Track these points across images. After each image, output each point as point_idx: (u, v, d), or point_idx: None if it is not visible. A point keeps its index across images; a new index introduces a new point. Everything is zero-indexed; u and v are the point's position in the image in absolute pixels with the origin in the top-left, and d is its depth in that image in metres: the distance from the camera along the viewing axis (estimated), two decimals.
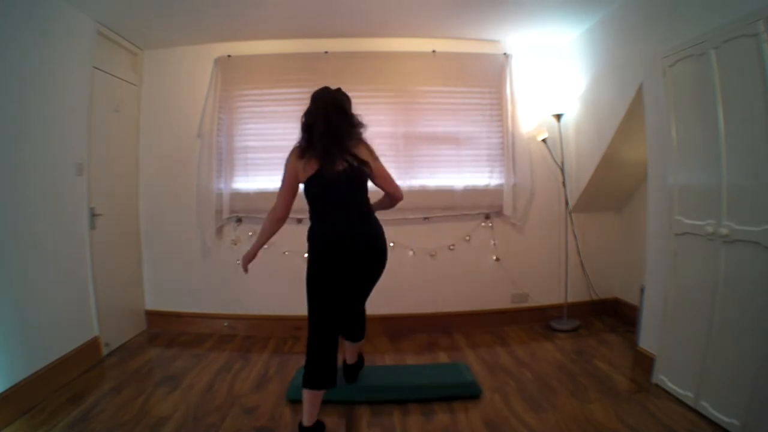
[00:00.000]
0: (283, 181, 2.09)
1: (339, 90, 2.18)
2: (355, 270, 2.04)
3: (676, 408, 2.25)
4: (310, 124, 2.04)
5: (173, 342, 3.37)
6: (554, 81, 3.61)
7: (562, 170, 3.57)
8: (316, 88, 3.56)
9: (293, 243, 3.52)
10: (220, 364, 2.96)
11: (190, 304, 3.60)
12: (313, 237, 2.06)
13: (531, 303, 3.67)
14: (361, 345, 2.51)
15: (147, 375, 2.80)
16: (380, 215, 2.20)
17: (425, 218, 3.54)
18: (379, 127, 3.49)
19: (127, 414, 2.29)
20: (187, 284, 3.60)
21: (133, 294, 3.51)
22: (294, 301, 3.53)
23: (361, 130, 2.10)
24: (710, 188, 2.14)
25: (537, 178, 3.63)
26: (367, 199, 2.12)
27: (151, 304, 3.63)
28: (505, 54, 3.57)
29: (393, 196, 2.15)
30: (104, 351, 3.02)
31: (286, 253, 3.52)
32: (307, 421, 2.00)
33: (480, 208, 3.58)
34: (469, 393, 2.46)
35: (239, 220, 3.55)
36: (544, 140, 3.53)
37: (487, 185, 3.56)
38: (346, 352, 2.47)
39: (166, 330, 3.56)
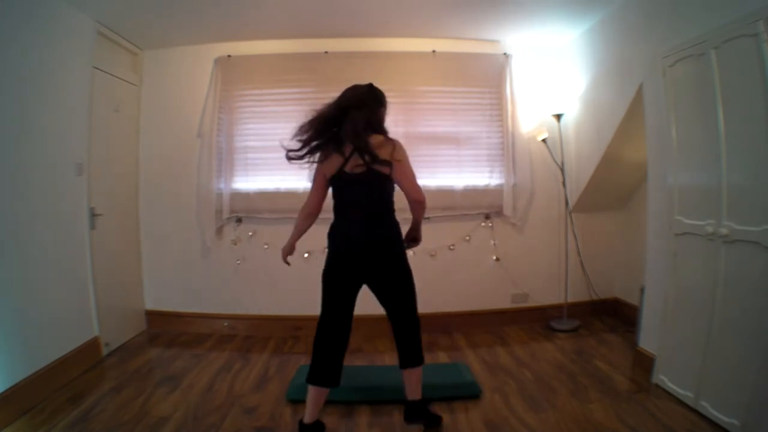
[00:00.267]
0: (313, 178, 2.12)
1: (369, 86, 2.10)
2: (361, 271, 2.04)
3: (676, 408, 2.25)
4: (333, 121, 2.00)
5: (173, 342, 3.37)
6: (554, 81, 3.61)
7: (562, 170, 3.57)
8: (315, 88, 3.60)
9: None
10: (220, 364, 2.96)
11: (190, 304, 3.60)
12: (328, 234, 2.12)
13: (531, 303, 3.67)
14: (420, 374, 2.10)
15: (147, 375, 2.80)
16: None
17: (425, 218, 3.52)
18: None
19: (127, 414, 2.29)
20: (187, 284, 3.60)
21: (133, 294, 3.51)
22: (294, 301, 3.55)
23: (384, 128, 2.07)
24: (710, 188, 2.13)
25: (537, 178, 3.63)
26: (385, 201, 2.04)
27: (151, 304, 3.63)
28: (505, 54, 3.57)
29: (410, 196, 2.01)
30: (104, 351, 3.02)
31: None
32: (307, 419, 2.02)
33: (480, 208, 3.58)
34: (469, 393, 2.46)
35: (239, 220, 3.55)
36: (544, 140, 3.53)
37: (487, 185, 3.56)
38: (405, 383, 2.12)
39: (166, 330, 3.56)
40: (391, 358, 3.05)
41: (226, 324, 3.56)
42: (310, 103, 3.42)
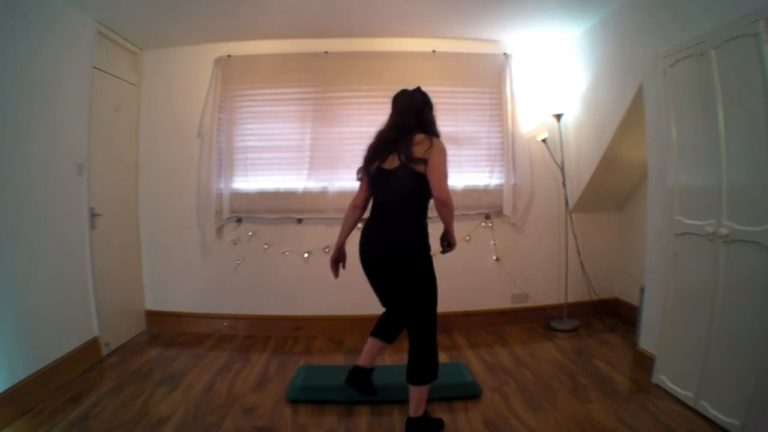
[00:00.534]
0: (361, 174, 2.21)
1: (416, 89, 2.16)
2: (375, 270, 2.10)
3: (676, 408, 2.25)
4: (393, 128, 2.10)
5: (173, 342, 3.37)
6: (554, 81, 3.61)
7: (562, 170, 3.57)
8: (315, 88, 3.60)
9: (293, 243, 3.53)
10: (220, 364, 2.96)
11: (190, 304, 3.60)
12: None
13: (531, 303, 3.67)
14: (420, 394, 2.02)
15: (147, 375, 2.80)
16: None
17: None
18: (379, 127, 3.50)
19: (127, 414, 2.29)
20: (187, 284, 3.60)
21: (133, 294, 3.51)
22: (294, 301, 3.56)
23: (433, 128, 2.10)
24: (710, 188, 2.14)
25: (537, 178, 3.63)
26: (413, 200, 2.01)
27: (151, 304, 3.63)
28: (505, 54, 3.57)
29: (437, 198, 1.92)
30: (104, 351, 3.02)
31: (286, 253, 3.53)
32: (361, 362, 2.28)
33: (480, 208, 3.58)
34: (469, 393, 2.46)
35: (239, 220, 3.55)
36: (544, 140, 3.53)
37: (487, 185, 3.56)
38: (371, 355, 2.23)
39: (166, 330, 3.56)
40: (391, 358, 3.05)
41: (226, 324, 3.56)
42: (310, 103, 3.49)
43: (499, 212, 3.59)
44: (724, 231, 2.04)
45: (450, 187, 1.98)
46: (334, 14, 3.10)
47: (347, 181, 3.48)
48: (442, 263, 3.55)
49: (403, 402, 2.38)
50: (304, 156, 3.49)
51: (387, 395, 2.43)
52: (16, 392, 2.26)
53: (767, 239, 1.84)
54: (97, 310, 2.96)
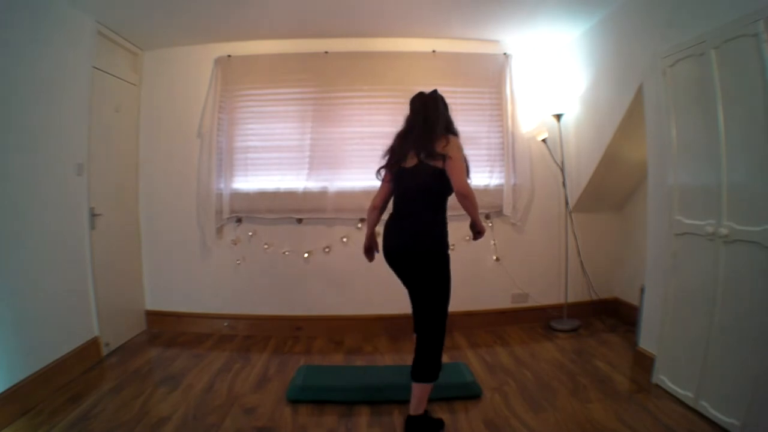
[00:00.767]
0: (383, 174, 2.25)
1: (433, 91, 2.21)
2: (398, 267, 2.13)
3: (676, 408, 2.25)
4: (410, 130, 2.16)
5: (173, 342, 3.37)
6: (554, 81, 3.61)
7: (562, 170, 3.57)
8: (315, 88, 3.61)
9: (293, 243, 3.53)
10: (220, 364, 2.96)
11: (190, 304, 3.60)
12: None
13: (531, 303, 3.67)
14: (422, 392, 2.03)
15: (147, 375, 2.80)
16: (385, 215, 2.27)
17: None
18: (379, 127, 3.49)
19: (127, 414, 2.29)
20: (187, 284, 3.60)
21: (133, 294, 3.51)
22: (294, 301, 3.56)
23: (451, 127, 2.16)
24: (710, 188, 2.14)
25: (537, 178, 3.63)
26: (431, 195, 2.04)
27: (151, 304, 3.63)
28: (505, 54, 3.57)
29: (456, 191, 1.95)
30: (104, 351, 3.02)
31: (286, 253, 3.53)
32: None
33: (480, 207, 3.55)
34: (469, 393, 2.46)
35: (239, 220, 3.55)
36: (544, 140, 3.53)
37: (487, 185, 3.56)
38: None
39: (166, 330, 3.56)
40: (391, 358, 3.05)
41: (226, 324, 3.56)
42: (310, 103, 3.50)
43: (499, 212, 3.59)
44: (724, 231, 2.04)
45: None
46: (334, 14, 3.10)
47: (347, 181, 3.49)
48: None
49: (403, 402, 2.38)
50: (304, 156, 3.49)
51: (387, 395, 2.43)
52: (16, 392, 2.26)
53: (767, 239, 1.84)
54: (97, 310, 2.96)
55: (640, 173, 3.19)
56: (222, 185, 3.51)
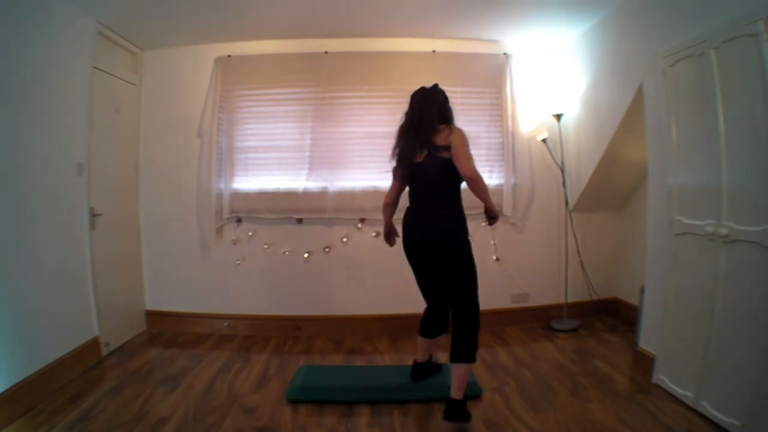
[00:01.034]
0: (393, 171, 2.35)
1: (433, 86, 2.27)
2: (420, 257, 2.27)
3: (676, 408, 2.25)
4: (411, 123, 2.22)
5: (173, 342, 3.37)
6: (554, 81, 3.61)
7: (562, 170, 3.57)
8: (315, 88, 3.61)
9: (293, 243, 3.53)
10: (220, 364, 2.96)
11: (190, 304, 3.60)
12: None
13: (531, 303, 3.67)
14: (463, 373, 2.09)
15: (147, 375, 2.80)
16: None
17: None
18: (379, 128, 3.49)
19: (127, 414, 2.29)
20: (187, 284, 3.60)
21: (133, 294, 3.51)
22: (294, 301, 3.56)
23: (450, 116, 2.23)
24: (710, 188, 2.14)
25: (537, 178, 3.63)
26: (444, 187, 2.16)
27: (151, 304, 3.63)
28: (505, 54, 3.57)
29: (466, 177, 2.06)
30: (104, 351, 3.02)
31: (286, 253, 3.53)
32: (420, 357, 2.55)
33: (480, 207, 3.56)
34: (469, 393, 2.45)
35: (239, 220, 3.55)
36: (544, 140, 3.53)
37: (486, 185, 3.54)
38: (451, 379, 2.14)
39: (166, 330, 3.56)
40: (391, 358, 3.05)
41: (226, 324, 3.56)
42: (310, 103, 3.49)
43: (499, 212, 3.58)
44: (724, 231, 2.04)
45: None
46: (334, 14, 3.10)
47: (347, 181, 3.49)
48: None
49: (403, 402, 2.39)
50: (304, 156, 3.49)
51: (387, 395, 2.43)
52: (16, 392, 2.26)
53: (767, 239, 1.84)
54: (97, 310, 2.96)
55: (640, 173, 3.19)
56: (222, 185, 3.51)
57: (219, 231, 3.55)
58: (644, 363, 2.65)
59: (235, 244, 3.55)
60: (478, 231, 3.59)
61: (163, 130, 3.58)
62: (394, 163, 2.33)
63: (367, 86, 3.49)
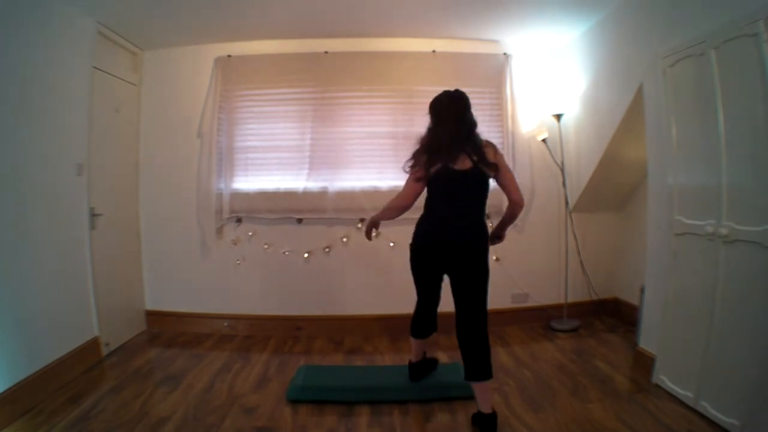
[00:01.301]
0: (411, 173, 2.15)
1: (459, 91, 2.17)
2: (444, 264, 2.17)
3: (676, 408, 2.25)
4: (438, 120, 2.13)
5: (173, 342, 3.37)
6: (554, 81, 3.61)
7: (562, 170, 3.57)
8: (315, 88, 3.60)
9: (293, 243, 3.53)
10: (220, 364, 2.96)
11: (190, 304, 3.60)
12: (419, 227, 2.22)
13: (531, 303, 3.67)
14: (487, 386, 2.10)
15: (147, 375, 2.80)
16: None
17: None
18: (379, 128, 3.50)
19: (127, 414, 2.29)
20: (187, 284, 3.60)
21: (133, 294, 3.51)
22: (294, 301, 3.56)
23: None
24: (710, 188, 2.14)
25: (537, 178, 3.63)
26: (481, 201, 2.16)
27: (151, 304, 3.63)
28: (505, 54, 3.57)
29: (517, 203, 2.16)
30: (104, 351, 3.02)
31: (286, 253, 3.53)
32: (414, 358, 2.53)
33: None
34: (470, 393, 2.44)
35: (239, 220, 3.55)
36: (544, 140, 3.53)
37: None
38: (477, 395, 2.12)
39: (166, 330, 3.56)
40: (391, 358, 3.05)
41: (226, 324, 3.56)
42: (310, 103, 3.49)
43: (499, 212, 3.55)
44: (724, 231, 2.04)
45: None
46: (334, 14, 3.10)
47: (347, 181, 3.49)
48: None
49: (403, 402, 2.39)
50: (304, 156, 3.49)
51: (387, 395, 2.43)
52: (16, 392, 2.26)
53: (767, 239, 1.84)
54: (97, 310, 2.96)
55: (640, 173, 3.19)
56: (222, 185, 3.51)
57: (219, 231, 3.55)
58: (644, 363, 2.65)
59: (235, 244, 3.55)
60: None
61: (163, 130, 3.58)
62: (418, 165, 2.12)
63: (367, 86, 3.49)
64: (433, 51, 3.51)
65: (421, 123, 3.46)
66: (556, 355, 3.03)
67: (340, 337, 3.45)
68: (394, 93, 3.49)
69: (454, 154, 2.06)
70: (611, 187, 3.51)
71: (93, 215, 2.96)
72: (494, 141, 3.50)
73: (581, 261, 3.65)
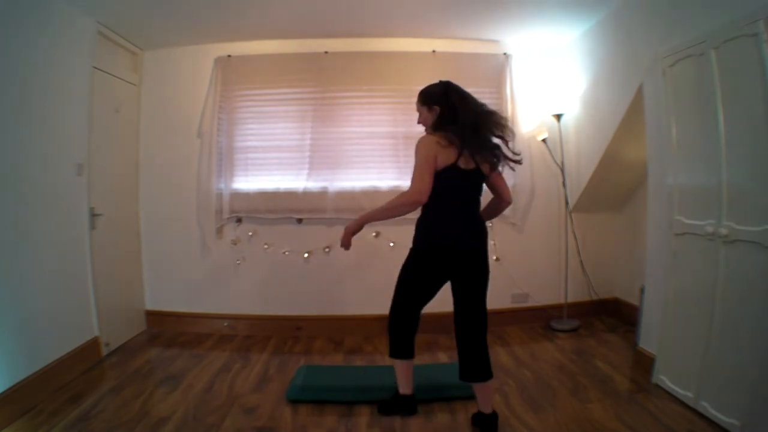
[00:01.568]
0: (424, 163, 1.92)
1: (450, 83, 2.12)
2: (454, 268, 2.05)
3: (676, 408, 2.25)
4: (454, 112, 1.98)
5: (173, 342, 3.37)
6: (554, 81, 3.61)
7: (562, 170, 3.57)
8: (315, 88, 3.58)
9: (293, 243, 3.53)
10: (220, 364, 2.96)
11: (190, 304, 3.60)
12: (430, 230, 2.03)
13: (531, 303, 3.67)
14: (487, 391, 2.09)
15: (147, 375, 2.80)
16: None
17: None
18: (379, 128, 3.50)
19: (127, 414, 2.29)
20: (187, 284, 3.60)
21: (133, 294, 3.51)
22: (294, 301, 3.56)
23: None
24: (710, 188, 2.14)
25: (537, 178, 3.63)
26: (479, 201, 2.13)
27: (151, 304, 3.63)
28: (505, 54, 3.57)
29: (507, 199, 2.16)
30: (104, 351, 3.02)
31: (286, 253, 3.53)
32: (408, 390, 2.25)
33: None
34: (469, 393, 2.45)
35: (239, 220, 3.55)
36: (544, 140, 3.53)
37: None
38: (478, 396, 2.11)
39: (166, 330, 3.56)
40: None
41: (226, 324, 3.56)
42: (310, 103, 3.50)
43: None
44: (724, 231, 2.04)
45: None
46: (334, 14, 3.10)
47: (347, 181, 3.49)
48: None
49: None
50: (304, 156, 3.49)
51: (387, 395, 2.43)
52: (16, 392, 2.26)
53: (767, 239, 1.84)
54: (97, 310, 2.96)
55: (640, 173, 3.19)
56: (222, 185, 3.51)
57: (219, 231, 3.55)
58: (644, 363, 2.65)
59: (235, 244, 3.55)
60: None
61: (163, 130, 3.58)
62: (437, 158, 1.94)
63: (367, 86, 3.48)
64: (433, 51, 3.51)
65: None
66: (556, 355, 3.03)
67: (340, 337, 3.45)
68: (394, 93, 3.49)
69: (476, 150, 1.95)
70: (611, 187, 3.51)
71: (93, 215, 2.96)
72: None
73: (581, 261, 3.65)
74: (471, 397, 2.42)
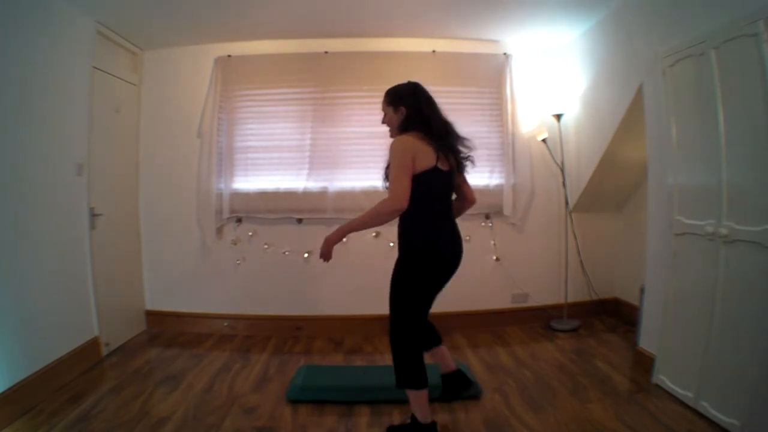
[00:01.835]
0: (403, 167, 1.83)
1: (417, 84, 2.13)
2: (452, 272, 2.04)
3: (676, 408, 2.25)
4: (426, 114, 1.98)
5: (173, 342, 3.37)
6: (554, 81, 3.61)
7: (562, 170, 3.57)
8: (315, 88, 3.59)
9: (293, 243, 3.53)
10: (220, 364, 2.96)
11: (190, 304, 3.60)
12: (428, 233, 1.93)
13: (531, 303, 3.67)
14: (445, 351, 2.28)
15: (147, 375, 2.80)
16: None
17: None
18: (379, 127, 3.48)
19: (127, 414, 2.29)
20: (187, 284, 3.60)
21: (133, 294, 3.51)
22: (294, 301, 3.56)
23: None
24: (710, 188, 2.14)
25: (537, 178, 3.63)
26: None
27: (151, 304, 3.63)
28: (505, 54, 3.57)
29: (472, 199, 2.16)
30: (104, 351, 3.02)
31: (286, 253, 3.53)
32: (423, 419, 1.99)
33: (480, 208, 3.56)
34: (469, 393, 2.46)
35: (239, 220, 3.55)
36: (544, 140, 3.53)
37: (486, 185, 3.55)
38: (444, 359, 2.23)
39: (166, 330, 3.56)
40: (391, 358, 3.04)
41: (226, 324, 3.56)
42: (310, 103, 3.50)
43: (499, 212, 3.59)
44: (724, 231, 2.04)
45: None
46: (334, 14, 3.10)
47: (347, 181, 3.49)
48: None
49: (403, 402, 2.38)
50: (304, 156, 3.49)
51: (387, 395, 2.43)
52: (16, 392, 2.26)
53: (767, 239, 1.84)
54: (97, 310, 2.96)
55: (640, 173, 3.19)
56: (222, 185, 3.51)
57: (219, 231, 3.55)
58: (644, 363, 2.65)
59: (235, 244, 3.55)
60: (478, 231, 3.61)
61: (163, 130, 3.58)
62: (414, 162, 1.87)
63: (367, 86, 3.48)
64: (433, 51, 3.51)
65: None
66: (556, 355, 3.03)
67: (340, 337, 3.45)
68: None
69: (447, 154, 1.94)
70: (611, 187, 3.51)
71: (93, 215, 2.96)
72: (494, 141, 3.57)
73: (581, 261, 3.65)
74: (471, 397, 2.43)
